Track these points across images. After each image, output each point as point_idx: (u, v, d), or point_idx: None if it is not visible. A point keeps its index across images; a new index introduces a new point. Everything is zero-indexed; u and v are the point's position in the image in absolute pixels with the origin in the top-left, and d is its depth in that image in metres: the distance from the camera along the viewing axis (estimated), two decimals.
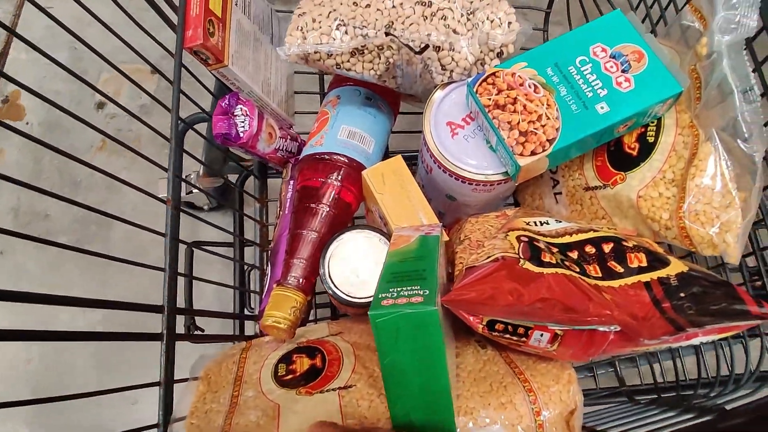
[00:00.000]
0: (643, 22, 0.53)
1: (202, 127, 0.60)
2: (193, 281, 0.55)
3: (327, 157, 0.52)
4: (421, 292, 0.31)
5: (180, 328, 0.48)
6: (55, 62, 0.41)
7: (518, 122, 0.43)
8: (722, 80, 0.41)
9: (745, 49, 0.41)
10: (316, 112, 0.65)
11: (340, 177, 0.52)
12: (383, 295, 0.31)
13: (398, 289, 0.32)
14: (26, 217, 1.06)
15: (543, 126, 0.43)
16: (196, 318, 0.53)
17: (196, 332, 0.53)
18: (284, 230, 0.56)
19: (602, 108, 0.43)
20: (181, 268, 0.43)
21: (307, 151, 0.54)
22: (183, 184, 1.00)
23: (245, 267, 0.71)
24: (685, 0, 0.49)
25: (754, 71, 0.42)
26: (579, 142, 0.43)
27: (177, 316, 0.41)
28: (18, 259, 1.00)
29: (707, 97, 0.42)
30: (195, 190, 1.01)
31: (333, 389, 0.41)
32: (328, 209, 0.51)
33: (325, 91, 0.67)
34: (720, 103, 0.40)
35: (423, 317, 0.30)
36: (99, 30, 0.45)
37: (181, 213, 0.45)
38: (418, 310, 0.30)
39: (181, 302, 0.43)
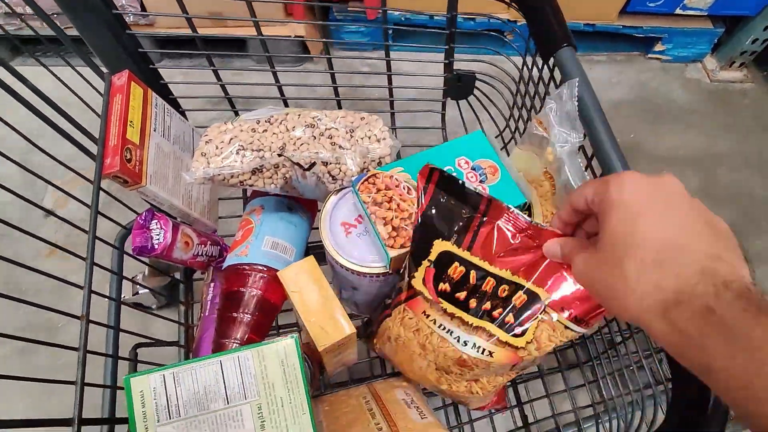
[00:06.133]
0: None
1: None
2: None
3: (251, 268, 0.56)
4: None
5: None
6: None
7: (392, 218, 0.49)
8: (567, 181, 0.48)
9: (579, 149, 0.49)
10: (240, 216, 0.71)
11: (262, 286, 0.56)
12: None
13: None
14: None
15: (412, 223, 0.49)
16: None
17: None
18: (204, 332, 0.59)
19: None
20: None
21: (231, 260, 0.58)
22: (130, 285, 1.03)
23: None
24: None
25: (587, 168, 0.50)
26: None
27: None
28: None
29: (559, 194, 0.50)
30: (141, 291, 1.03)
31: None
32: (250, 317, 0.55)
33: (248, 196, 0.73)
34: None
35: None
36: (48, 142, 0.51)
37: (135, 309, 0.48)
38: None
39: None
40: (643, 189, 0.30)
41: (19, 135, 0.50)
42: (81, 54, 0.57)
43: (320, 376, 0.60)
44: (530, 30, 0.54)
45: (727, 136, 1.46)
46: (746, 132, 1.46)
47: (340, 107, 0.74)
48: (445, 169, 0.52)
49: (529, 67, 0.61)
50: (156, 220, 0.56)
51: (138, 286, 1.05)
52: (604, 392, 0.71)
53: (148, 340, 0.61)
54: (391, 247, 0.48)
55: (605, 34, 1.47)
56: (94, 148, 0.56)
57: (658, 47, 1.55)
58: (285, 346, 0.46)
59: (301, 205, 0.63)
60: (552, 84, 0.55)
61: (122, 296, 1.00)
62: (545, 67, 0.54)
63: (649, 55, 1.58)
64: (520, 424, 0.66)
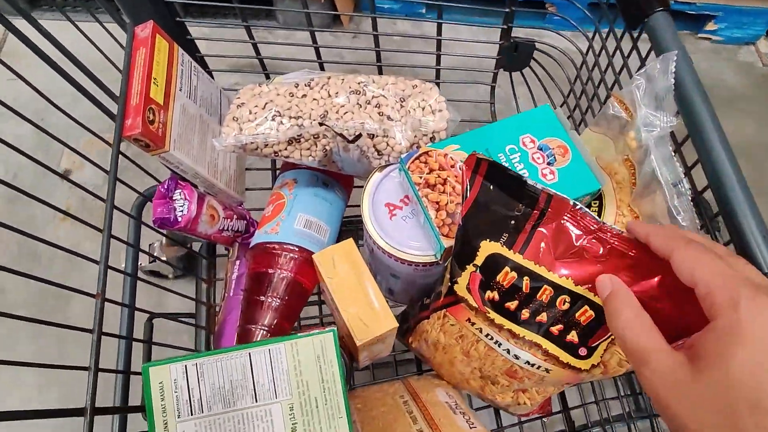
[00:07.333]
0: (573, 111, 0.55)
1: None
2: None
3: (282, 247, 0.51)
4: None
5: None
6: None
7: (446, 203, 0.43)
8: (652, 172, 0.42)
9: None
10: (268, 188, 0.65)
11: (294, 268, 0.51)
12: None
13: None
14: None
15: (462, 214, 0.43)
16: None
17: None
18: (228, 314, 0.55)
19: None
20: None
21: (261, 237, 0.53)
22: (145, 257, 0.99)
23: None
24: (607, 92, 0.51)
25: (675, 152, 0.43)
26: None
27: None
28: None
29: (641, 185, 0.43)
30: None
31: None
32: (279, 302, 0.50)
33: (278, 167, 0.68)
34: (653, 192, 0.41)
35: None
36: (65, 102, 0.47)
37: (147, 281, 0.45)
38: None
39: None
40: None
41: (36, 91, 0.45)
42: (103, 3, 0.51)
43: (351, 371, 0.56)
44: None
45: None
46: None
47: (381, 74, 0.67)
48: (507, 148, 0.46)
49: (602, 36, 0.53)
50: (180, 190, 0.50)
51: (155, 253, 1.01)
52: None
53: (164, 316, 0.57)
54: (446, 236, 0.43)
55: None
56: (114, 108, 0.50)
57: (710, 26, 1.44)
58: (322, 340, 0.41)
59: (337, 181, 0.57)
60: (634, 54, 0.48)
61: (139, 263, 0.97)
62: (623, 35, 0.47)
63: (700, 35, 1.48)
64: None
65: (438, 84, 0.70)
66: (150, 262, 1.00)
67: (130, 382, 0.52)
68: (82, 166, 1.15)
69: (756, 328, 0.24)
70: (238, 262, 0.58)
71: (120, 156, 0.49)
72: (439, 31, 0.62)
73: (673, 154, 0.41)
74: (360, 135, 0.46)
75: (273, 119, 0.46)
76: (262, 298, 0.50)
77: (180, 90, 0.54)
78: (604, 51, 0.54)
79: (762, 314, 0.24)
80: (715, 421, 0.24)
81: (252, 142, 0.46)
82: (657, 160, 0.40)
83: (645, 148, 0.42)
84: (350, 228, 0.68)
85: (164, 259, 0.96)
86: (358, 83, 0.48)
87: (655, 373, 0.27)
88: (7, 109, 0.43)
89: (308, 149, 0.48)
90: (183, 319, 0.57)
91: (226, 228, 0.56)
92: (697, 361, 0.26)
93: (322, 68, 0.67)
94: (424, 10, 1.32)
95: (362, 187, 0.49)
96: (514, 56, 0.63)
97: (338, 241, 0.61)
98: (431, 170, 0.45)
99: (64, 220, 1.10)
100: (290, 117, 0.46)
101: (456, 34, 0.62)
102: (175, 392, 0.39)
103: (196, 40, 0.64)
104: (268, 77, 0.68)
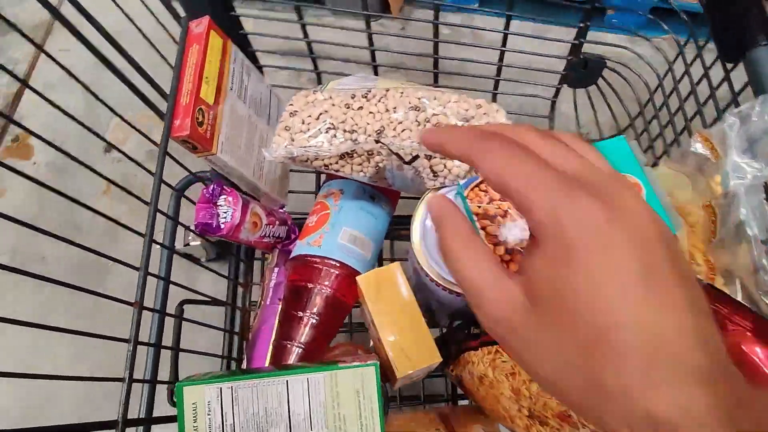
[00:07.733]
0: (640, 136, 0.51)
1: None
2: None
3: (323, 262, 0.49)
4: None
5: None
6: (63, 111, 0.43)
7: (506, 238, 0.40)
8: (739, 225, 0.38)
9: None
10: (311, 192, 0.63)
11: (335, 284, 0.49)
12: None
13: None
14: (22, 259, 1.05)
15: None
16: None
17: None
18: (263, 323, 0.53)
19: None
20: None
21: (302, 249, 0.51)
22: (181, 236, 0.98)
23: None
24: (683, 123, 0.47)
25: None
26: None
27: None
28: (6, 303, 0.99)
29: (723, 236, 0.39)
30: (192, 243, 0.99)
31: None
32: (317, 319, 0.48)
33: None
34: (735, 244, 0.37)
35: None
36: (113, 77, 0.46)
37: (180, 285, 0.47)
38: None
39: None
40: (614, 240, 0.19)
41: (74, 79, 0.44)
42: None
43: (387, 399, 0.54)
44: (707, 14, 0.42)
45: None
46: None
47: (436, 80, 0.64)
48: None
49: (686, 60, 0.49)
50: (225, 196, 0.49)
51: (189, 238, 1.01)
52: None
53: (195, 300, 0.56)
54: None
55: None
56: (160, 103, 0.49)
57: None
58: (363, 373, 0.39)
59: (385, 194, 0.54)
60: (725, 84, 0.44)
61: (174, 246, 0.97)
62: (713, 63, 0.42)
63: None
64: None
65: (495, 95, 0.66)
66: (184, 246, 1.00)
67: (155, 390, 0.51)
68: (126, 141, 1.15)
69: (587, 245, 0.19)
70: (276, 270, 0.56)
71: (152, 144, 0.48)
72: (504, 42, 0.58)
73: (766, 206, 0.37)
74: (417, 156, 0.43)
75: (327, 132, 0.44)
76: (300, 313, 0.48)
77: (231, 89, 0.52)
78: (687, 76, 0.49)
79: (586, 226, 0.19)
80: (569, 372, 0.20)
81: (303, 155, 0.44)
82: (747, 212, 0.36)
83: (732, 195, 0.38)
84: (394, 229, 0.63)
85: (198, 243, 0.96)
86: (418, 99, 0.45)
87: (491, 317, 0.22)
88: (48, 103, 0.42)
89: (360, 165, 0.45)
90: (215, 326, 0.56)
91: (267, 234, 0.54)
92: (535, 300, 0.21)
93: (375, 71, 0.64)
94: (476, 6, 1.27)
95: (408, 197, 0.46)
96: (583, 73, 0.59)
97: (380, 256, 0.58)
98: (492, 200, 0.42)
99: (105, 194, 1.10)
100: (345, 131, 0.44)
101: (514, 44, 0.58)
102: (208, 415, 0.38)
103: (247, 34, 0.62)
104: (318, 77, 0.65)
